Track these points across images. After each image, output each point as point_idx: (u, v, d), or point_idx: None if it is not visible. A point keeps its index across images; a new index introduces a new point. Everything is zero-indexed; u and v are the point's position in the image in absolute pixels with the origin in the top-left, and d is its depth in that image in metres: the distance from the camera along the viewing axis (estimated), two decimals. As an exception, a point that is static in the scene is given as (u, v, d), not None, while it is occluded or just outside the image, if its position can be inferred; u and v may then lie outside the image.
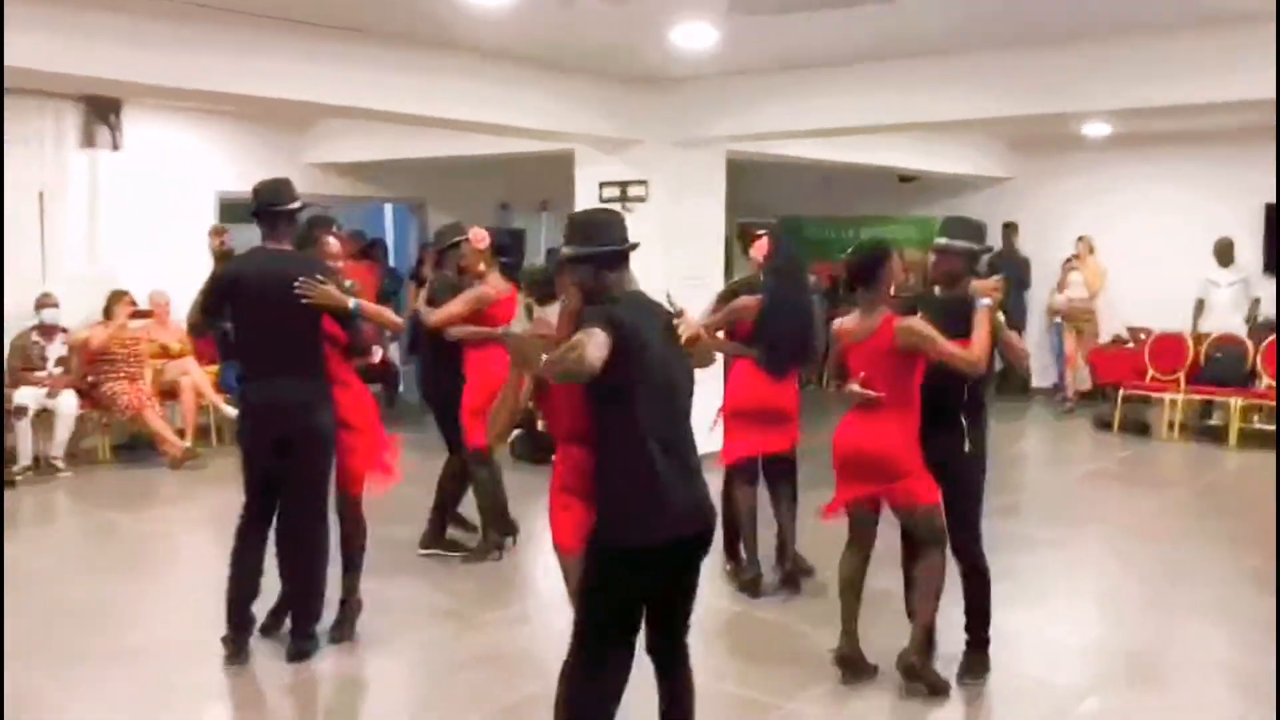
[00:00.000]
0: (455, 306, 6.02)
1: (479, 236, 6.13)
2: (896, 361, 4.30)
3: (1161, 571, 6.33)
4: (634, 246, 3.36)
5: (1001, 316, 4.42)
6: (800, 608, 5.55)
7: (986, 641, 4.64)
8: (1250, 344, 10.34)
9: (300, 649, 4.77)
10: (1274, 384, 10.09)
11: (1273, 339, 10.22)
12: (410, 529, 6.52)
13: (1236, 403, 10.15)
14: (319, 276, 4.59)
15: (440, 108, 7.49)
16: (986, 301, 4.33)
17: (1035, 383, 12.95)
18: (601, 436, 3.22)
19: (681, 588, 3.34)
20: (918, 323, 4.29)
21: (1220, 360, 10.38)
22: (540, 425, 8.37)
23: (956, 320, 4.30)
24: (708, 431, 8.57)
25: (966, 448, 4.41)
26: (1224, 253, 11.00)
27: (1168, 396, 10.53)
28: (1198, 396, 10.62)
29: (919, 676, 4.41)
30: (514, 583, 6.16)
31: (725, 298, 5.82)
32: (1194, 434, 10.60)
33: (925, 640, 4.44)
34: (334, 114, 9.02)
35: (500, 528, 6.39)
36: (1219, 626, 5.49)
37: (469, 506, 6.55)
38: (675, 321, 3.31)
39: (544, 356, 3.15)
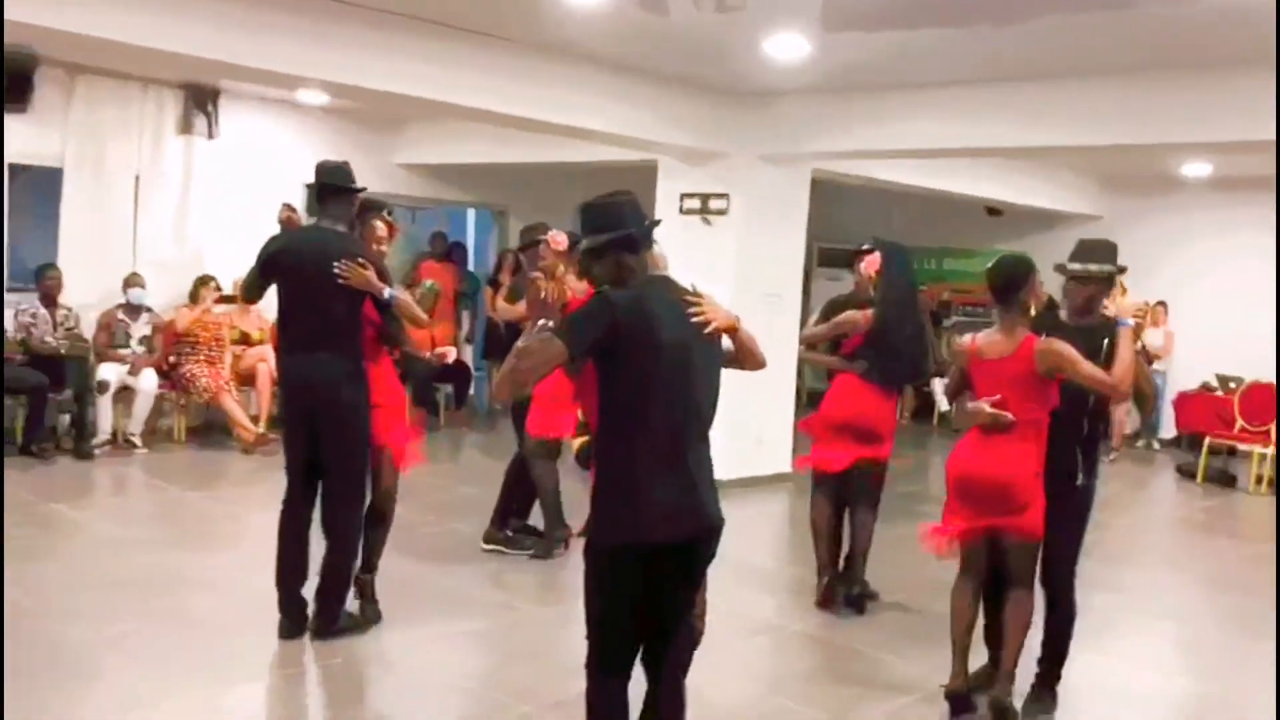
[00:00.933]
0: (523, 307, 6.07)
1: (557, 240, 6.16)
2: (1032, 384, 4.11)
3: (1237, 623, 6.10)
4: (655, 224, 3.22)
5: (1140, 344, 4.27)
6: (861, 629, 5.43)
7: (1058, 678, 4.48)
8: (1346, 399, 9.94)
9: (323, 625, 4.77)
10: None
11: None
12: (471, 524, 6.54)
13: (1329, 458, 9.78)
14: (360, 260, 4.63)
15: (528, 109, 7.53)
16: (1130, 322, 4.13)
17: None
18: (600, 425, 3.12)
19: (671, 595, 3.17)
20: (1061, 344, 4.08)
21: (1313, 413, 10.00)
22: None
23: (1091, 350, 4.10)
24: (784, 443, 8.63)
25: (1080, 480, 4.26)
26: None
27: (1257, 449, 10.17)
28: (1288, 450, 10.25)
29: (1011, 714, 4.22)
30: (569, 581, 6.11)
31: (830, 311, 5.74)
32: (1282, 489, 10.22)
33: (1012, 680, 4.26)
34: (423, 109, 9.12)
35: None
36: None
37: (536, 515, 6.54)
38: (696, 309, 3.11)
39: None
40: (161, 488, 7.81)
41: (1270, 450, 10.06)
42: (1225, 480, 10.27)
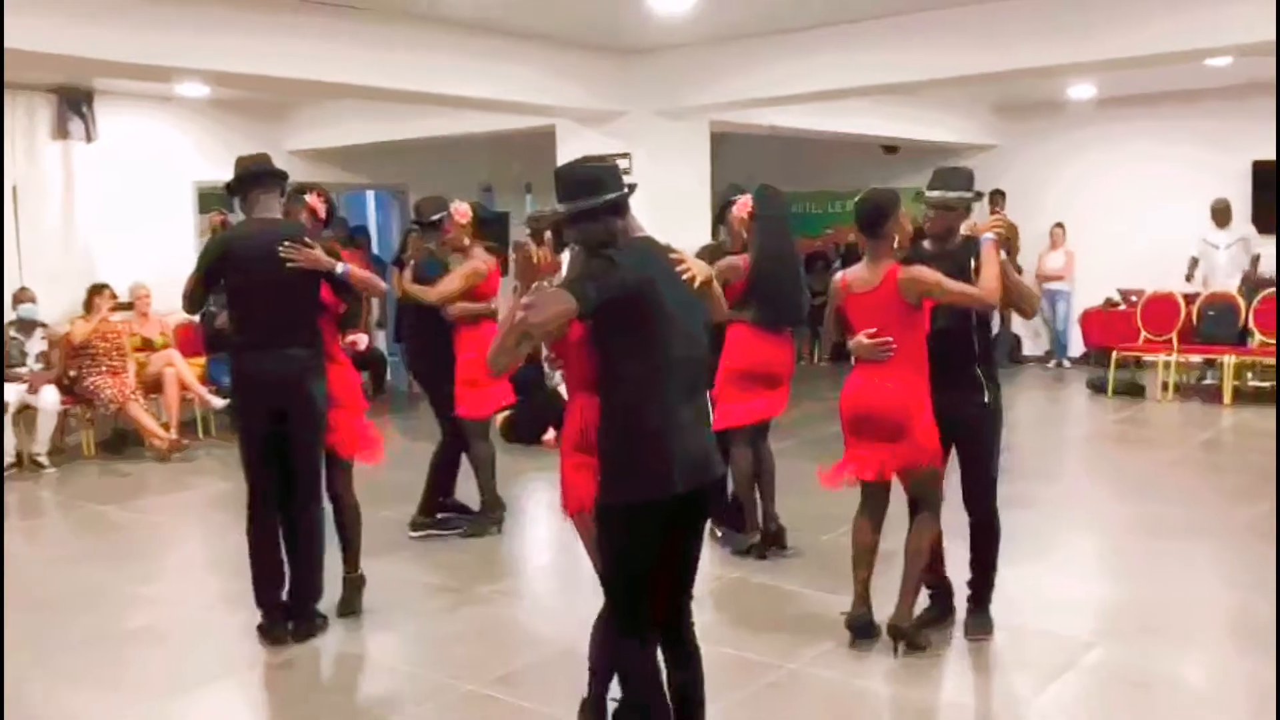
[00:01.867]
0: (454, 283, 5.98)
1: (461, 211, 6.08)
2: (902, 313, 4.21)
3: (1160, 526, 6.30)
4: (633, 189, 3.23)
5: (1004, 254, 4.31)
6: (791, 570, 5.51)
7: (988, 598, 4.60)
8: (1242, 302, 10.31)
9: (307, 628, 4.75)
10: (1266, 341, 10.07)
11: (1264, 296, 10.19)
12: (400, 511, 6.48)
13: (1230, 361, 10.13)
14: (305, 240, 4.56)
15: (420, 82, 7.42)
16: (991, 236, 4.24)
17: (1026, 350, 12.97)
18: (609, 386, 3.12)
19: (689, 543, 3.25)
20: (921, 269, 4.19)
21: (1213, 319, 10.35)
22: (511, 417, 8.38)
23: (957, 271, 4.21)
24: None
25: (986, 398, 4.35)
26: (1222, 214, 10.96)
27: (1161, 358, 10.51)
28: (1191, 356, 10.61)
29: (906, 638, 4.34)
30: (505, 558, 6.12)
31: (705, 259, 5.69)
32: (1189, 394, 10.58)
33: (913, 602, 4.38)
34: (312, 91, 8.93)
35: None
36: (1219, 577, 5.47)
37: (463, 494, 6.50)
38: (684, 266, 3.19)
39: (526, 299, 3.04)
40: (78, 505, 7.58)
41: (1174, 358, 10.40)
42: (1134, 391, 10.61)
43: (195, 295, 4.69)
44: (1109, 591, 5.37)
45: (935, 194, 4.40)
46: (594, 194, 3.12)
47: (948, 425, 4.30)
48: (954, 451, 4.45)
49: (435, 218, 6.23)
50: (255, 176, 4.62)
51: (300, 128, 10.98)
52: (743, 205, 5.54)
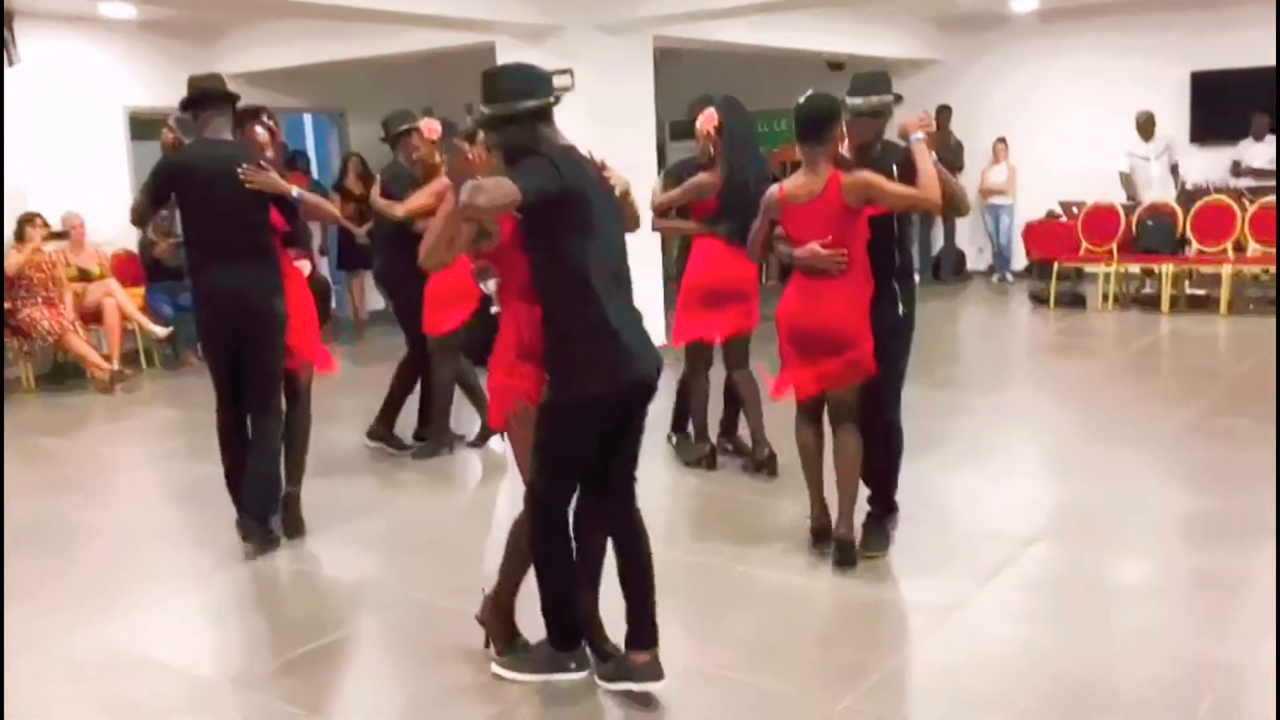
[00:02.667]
0: (422, 199, 5.80)
1: (431, 127, 5.95)
2: (847, 221, 4.11)
3: (1099, 430, 6.43)
4: (559, 99, 3.24)
5: (934, 155, 4.20)
6: (743, 480, 5.56)
7: (888, 512, 4.59)
8: (1179, 211, 10.44)
9: (261, 540, 4.79)
10: (1203, 249, 10.23)
11: (1203, 204, 10.31)
12: (351, 434, 6.45)
13: (1169, 270, 10.28)
14: (260, 163, 4.62)
15: (353, -2, 7.22)
16: (919, 135, 4.13)
17: (970, 265, 13.09)
18: (551, 289, 3.19)
19: (632, 429, 3.37)
20: (864, 172, 4.10)
21: (1151, 229, 10.46)
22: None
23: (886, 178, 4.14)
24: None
25: (901, 310, 4.31)
26: (1146, 126, 11.02)
27: (1102, 269, 10.65)
28: (1131, 266, 10.77)
29: (852, 549, 4.33)
30: (457, 475, 6.12)
31: (676, 175, 5.58)
32: (1129, 303, 10.76)
33: (852, 515, 4.35)
34: (243, 9, 8.67)
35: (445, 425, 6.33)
36: (1157, 475, 5.60)
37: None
38: (606, 174, 3.26)
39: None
40: (19, 437, 7.43)
41: (1114, 268, 10.54)
42: (1075, 302, 10.76)
43: (143, 210, 4.78)
44: (1050, 493, 5.48)
45: (859, 100, 4.28)
46: (520, 99, 3.15)
47: None
48: None
49: (401, 129, 6.14)
50: (207, 97, 4.67)
51: (234, 49, 10.65)
52: (707, 119, 5.39)
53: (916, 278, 4.54)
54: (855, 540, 4.35)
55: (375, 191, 6.22)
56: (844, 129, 4.17)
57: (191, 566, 4.75)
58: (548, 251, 3.16)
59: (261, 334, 4.70)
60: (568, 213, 3.09)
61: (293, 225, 4.85)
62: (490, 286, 3.50)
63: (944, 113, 12.49)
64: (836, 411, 4.34)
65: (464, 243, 3.34)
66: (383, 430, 6.35)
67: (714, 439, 5.83)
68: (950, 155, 12.33)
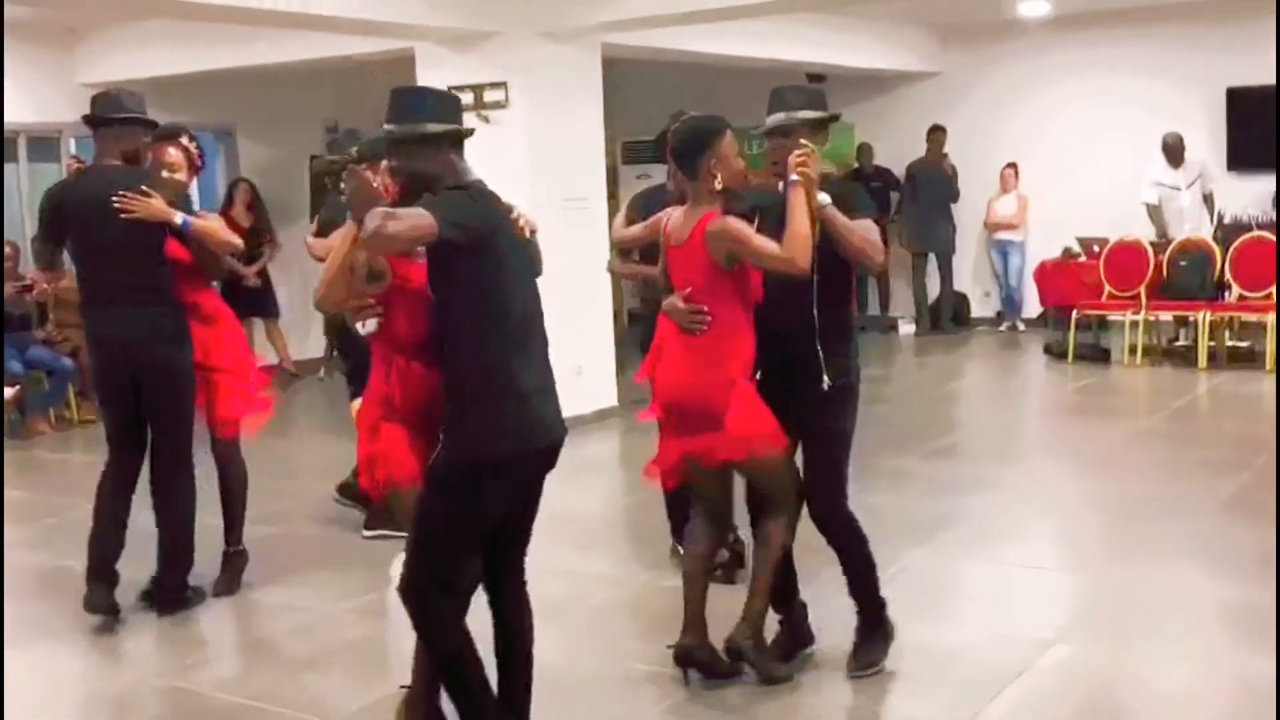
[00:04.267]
0: (338, 238, 5.90)
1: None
2: (714, 273, 4.00)
3: (1128, 508, 6.51)
4: (472, 132, 3.51)
5: (826, 197, 4.03)
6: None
7: (882, 620, 4.40)
8: (1217, 250, 10.61)
9: (167, 600, 5.15)
10: (1245, 295, 10.39)
11: (1245, 240, 10.47)
12: (298, 484, 6.40)
13: (1205, 318, 10.45)
14: (144, 189, 4.82)
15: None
16: (794, 178, 3.95)
17: (975, 311, 13.25)
18: (455, 338, 3.33)
19: (535, 499, 3.57)
20: (733, 221, 3.97)
21: (1184, 270, 10.60)
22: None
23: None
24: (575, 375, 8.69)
25: (825, 382, 4.13)
26: (1174, 151, 11.17)
27: (1127, 316, 10.80)
28: (1161, 314, 10.92)
29: (748, 660, 4.24)
30: (368, 568, 6.04)
31: (643, 207, 5.37)
32: (1159, 357, 10.92)
33: (760, 620, 4.26)
34: (111, 7, 8.64)
35: None
36: (1195, 563, 5.65)
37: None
38: (514, 216, 3.45)
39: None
40: None
41: (1141, 316, 10.68)
42: (1097, 355, 10.91)
43: (42, 252, 5.23)
44: (1069, 586, 5.52)
45: (772, 118, 4.18)
46: (435, 120, 3.36)
47: (788, 416, 4.13)
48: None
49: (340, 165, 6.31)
50: (100, 121, 5.03)
51: (96, 56, 10.61)
52: None
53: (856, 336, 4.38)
54: (744, 645, 4.20)
55: (311, 230, 6.42)
56: (722, 158, 4.00)
57: (46, 685, 4.64)
58: (457, 299, 3.29)
59: (156, 389, 4.95)
60: (479, 256, 3.24)
61: (197, 258, 5.05)
62: (369, 327, 3.59)
63: (936, 134, 12.73)
64: (759, 497, 4.30)
65: (356, 281, 3.48)
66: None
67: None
68: (944, 184, 12.55)
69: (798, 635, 4.50)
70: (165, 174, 5.00)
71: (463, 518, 3.36)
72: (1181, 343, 11.17)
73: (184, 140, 5.13)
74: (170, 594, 5.17)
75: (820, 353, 4.14)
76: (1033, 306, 12.61)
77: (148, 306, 4.90)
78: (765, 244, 3.94)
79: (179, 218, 4.87)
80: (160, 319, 4.92)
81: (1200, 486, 6.81)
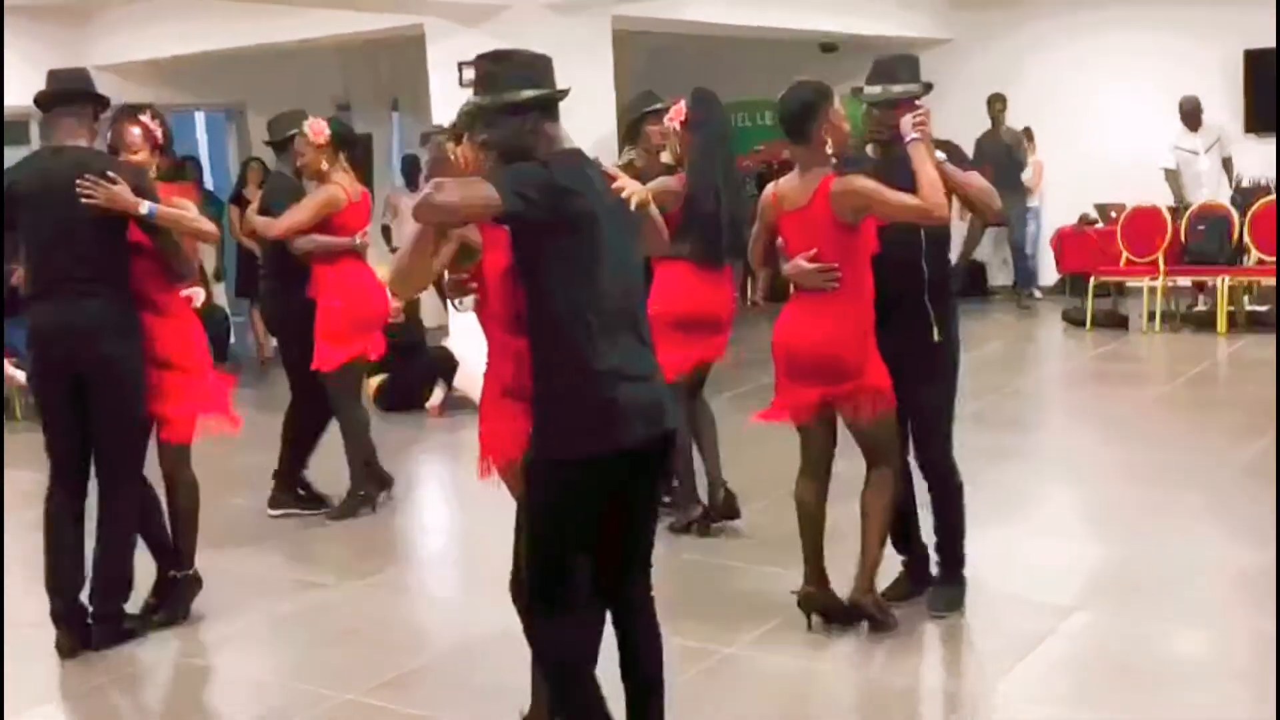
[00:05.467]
0: (300, 214, 5.98)
1: (316, 129, 6.05)
2: (838, 234, 4.19)
3: (1148, 474, 6.50)
4: (567, 91, 3.23)
5: (942, 154, 4.30)
6: (723, 544, 5.58)
7: (961, 560, 4.66)
8: (1235, 214, 10.57)
9: (103, 633, 4.67)
10: (1265, 259, 10.34)
11: (1263, 204, 10.42)
12: (256, 498, 6.41)
13: (1224, 283, 10.42)
14: (109, 174, 4.51)
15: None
16: (914, 136, 4.20)
17: (992, 280, 13.21)
18: (539, 325, 3.13)
19: (641, 506, 3.32)
20: (859, 179, 4.16)
21: (1203, 235, 10.57)
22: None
23: (906, 185, 4.15)
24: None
25: (936, 335, 4.40)
26: (1192, 115, 11.13)
27: (1145, 282, 10.77)
28: (1180, 280, 10.89)
29: (869, 615, 4.41)
30: (382, 544, 6.11)
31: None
32: (1178, 322, 10.90)
33: (872, 577, 4.44)
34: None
35: (371, 478, 6.35)
36: (1216, 528, 5.67)
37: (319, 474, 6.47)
38: (616, 185, 3.22)
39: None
40: None
41: (1160, 282, 10.65)
42: (1116, 322, 10.87)
43: None
44: (1091, 551, 5.53)
45: (875, 89, 4.38)
46: (523, 86, 3.13)
47: (894, 368, 4.33)
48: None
49: (287, 134, 6.24)
50: (56, 95, 4.63)
51: (107, 34, 10.65)
52: (676, 113, 5.41)
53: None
54: (865, 601, 4.39)
55: (252, 209, 6.34)
56: (831, 123, 4.19)
57: (67, 665, 4.65)
58: (537, 281, 3.10)
59: (99, 386, 4.53)
60: (566, 235, 3.05)
61: (163, 248, 4.69)
62: (465, 306, 3.48)
63: (994, 103, 12.34)
64: (866, 452, 4.45)
65: (443, 261, 3.32)
66: (286, 496, 6.35)
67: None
68: (1012, 155, 12.19)
69: (918, 575, 4.74)
70: (125, 155, 4.72)
71: (554, 521, 3.15)
72: (1200, 308, 11.14)
73: (145, 118, 4.84)
74: (105, 624, 4.68)
75: (929, 307, 4.39)
76: (1049, 274, 12.56)
77: (97, 297, 4.52)
78: (900, 196, 4.12)
79: (144, 206, 4.53)
80: (107, 309, 4.54)
81: (1220, 451, 6.82)
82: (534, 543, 3.22)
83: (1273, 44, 11.19)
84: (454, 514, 6.90)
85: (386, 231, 11.63)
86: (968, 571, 4.70)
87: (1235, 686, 4.06)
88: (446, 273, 3.48)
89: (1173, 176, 11.24)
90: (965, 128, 12.61)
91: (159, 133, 4.86)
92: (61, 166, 4.55)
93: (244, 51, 10.39)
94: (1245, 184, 11.18)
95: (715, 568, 5.35)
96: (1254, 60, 11.67)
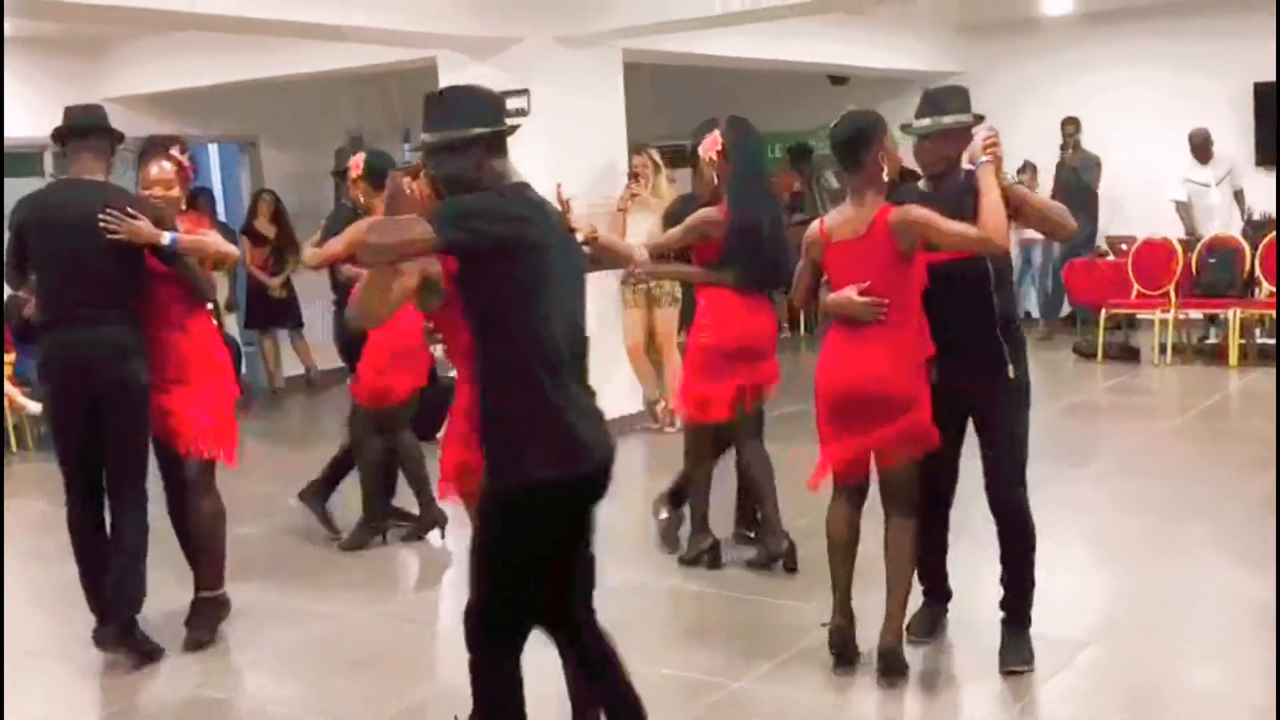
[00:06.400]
0: (337, 243, 5.83)
1: (354, 163, 6.18)
2: (895, 264, 4.12)
3: (1159, 507, 6.50)
4: (516, 127, 3.35)
5: (1011, 177, 4.27)
6: (750, 576, 5.57)
7: (1028, 617, 4.49)
8: (1246, 246, 10.59)
9: (109, 633, 4.78)
10: (1276, 291, 10.34)
11: (1274, 237, 10.44)
12: (262, 526, 6.43)
13: (1235, 316, 10.42)
14: (129, 210, 4.64)
15: (270, 8, 7.31)
16: (985, 159, 4.13)
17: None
18: (491, 353, 3.21)
19: (586, 531, 3.40)
20: (918, 208, 4.10)
21: (1214, 268, 10.59)
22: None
23: (958, 217, 4.09)
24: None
25: (1011, 372, 4.29)
26: (1202, 147, 11.19)
27: (1157, 314, 10.76)
28: (1191, 312, 10.88)
29: (899, 664, 4.31)
30: (392, 574, 6.15)
31: (674, 215, 5.68)
32: (1190, 355, 10.89)
33: (903, 618, 4.38)
34: (138, 20, 8.74)
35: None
36: (1227, 560, 5.66)
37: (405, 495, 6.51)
38: (565, 214, 3.36)
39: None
40: None
41: (1171, 314, 10.65)
42: (1127, 354, 10.88)
43: (8, 268, 4.96)
44: (1103, 585, 5.54)
45: (926, 121, 4.27)
46: (469, 124, 3.23)
47: (962, 402, 4.28)
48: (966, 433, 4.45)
49: (341, 169, 6.42)
50: (73, 130, 4.82)
51: (121, 68, 10.73)
52: (711, 143, 5.42)
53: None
54: (897, 649, 4.31)
55: (314, 239, 6.36)
56: (886, 150, 4.20)
57: (74, 692, 4.70)
58: (487, 309, 3.18)
59: (115, 407, 4.67)
60: (515, 262, 3.12)
61: (184, 275, 4.79)
62: (439, 351, 3.60)
63: (1069, 125, 12.21)
64: (890, 493, 4.32)
65: (397, 298, 3.41)
66: (318, 498, 6.43)
67: (717, 531, 5.79)
68: (1071, 177, 12.01)
69: (940, 601, 4.73)
70: (159, 191, 4.83)
71: (507, 549, 3.23)
72: (1212, 341, 11.12)
73: (175, 151, 4.96)
74: (115, 628, 4.79)
75: (1004, 343, 4.27)
76: (1060, 306, 12.53)
77: (115, 324, 4.68)
78: (959, 226, 4.05)
79: (166, 237, 4.64)
80: (120, 334, 4.68)
81: (1231, 485, 6.81)
82: (490, 572, 3.28)
83: (1283, 77, 11.24)
84: (462, 545, 6.88)
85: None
86: (978, 604, 4.68)
87: (1248, 720, 4.05)
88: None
89: (1184, 209, 11.27)
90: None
91: (189, 166, 5.01)
92: (77, 199, 4.71)
93: (256, 84, 10.46)
94: (1256, 217, 11.21)
95: (728, 600, 5.35)
96: (1263, 93, 11.69)
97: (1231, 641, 4.76)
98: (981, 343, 4.26)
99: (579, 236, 3.46)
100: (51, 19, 8.27)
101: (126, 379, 4.67)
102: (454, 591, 6.05)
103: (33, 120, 10.45)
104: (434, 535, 6.36)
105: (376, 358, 6.03)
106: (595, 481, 3.27)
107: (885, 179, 4.19)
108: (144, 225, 4.62)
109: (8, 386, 9.08)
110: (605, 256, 3.69)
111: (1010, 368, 4.29)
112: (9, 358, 9.34)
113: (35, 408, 8.95)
